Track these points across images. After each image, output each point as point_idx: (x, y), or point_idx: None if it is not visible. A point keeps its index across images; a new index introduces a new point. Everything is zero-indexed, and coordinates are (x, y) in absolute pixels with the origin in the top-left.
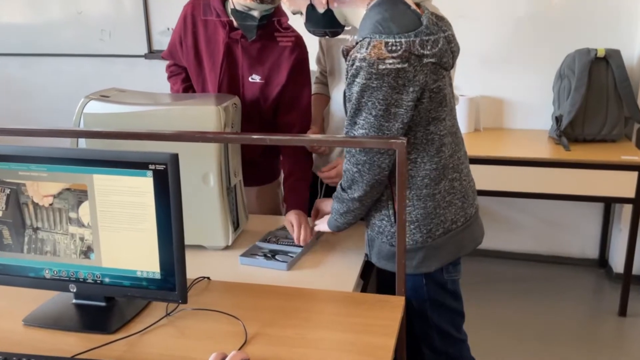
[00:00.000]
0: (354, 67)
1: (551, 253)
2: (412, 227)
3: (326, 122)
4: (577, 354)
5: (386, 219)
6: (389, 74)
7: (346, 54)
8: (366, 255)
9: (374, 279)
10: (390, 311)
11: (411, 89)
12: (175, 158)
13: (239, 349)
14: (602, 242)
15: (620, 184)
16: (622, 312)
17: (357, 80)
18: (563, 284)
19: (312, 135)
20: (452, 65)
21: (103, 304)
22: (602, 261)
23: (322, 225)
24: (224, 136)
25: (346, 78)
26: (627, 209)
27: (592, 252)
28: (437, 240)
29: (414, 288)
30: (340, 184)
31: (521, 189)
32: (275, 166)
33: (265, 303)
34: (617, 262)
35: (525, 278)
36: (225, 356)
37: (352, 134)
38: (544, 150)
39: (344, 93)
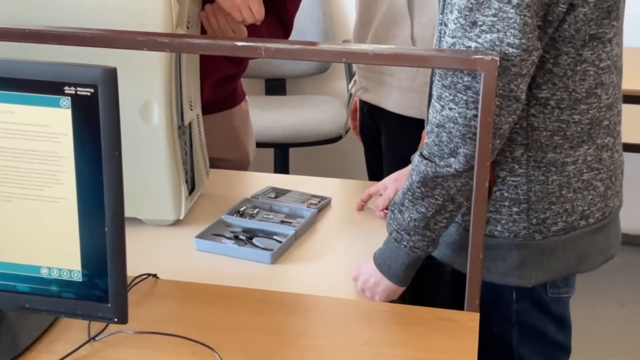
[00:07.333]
0: None
1: None
2: (514, 209)
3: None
4: None
5: None
6: None
7: None
8: None
9: None
10: (459, 338)
11: None
12: (111, 76)
13: None
14: None
15: None
16: None
17: None
18: None
19: (344, 45)
20: None
21: None
22: None
23: (364, 268)
24: (187, 41)
25: None
26: None
27: None
28: (549, 240)
29: (496, 304)
30: (422, 156)
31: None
32: (240, 85)
33: (249, 320)
34: None
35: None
36: None
37: (468, 45)
38: None
39: None
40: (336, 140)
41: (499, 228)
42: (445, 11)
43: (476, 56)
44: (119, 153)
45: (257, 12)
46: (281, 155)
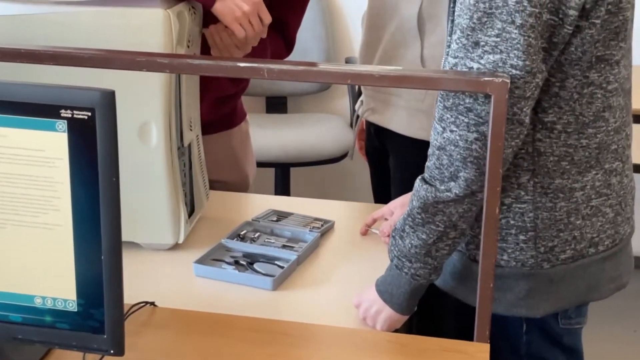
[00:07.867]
0: None
1: None
2: (521, 237)
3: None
4: None
5: None
6: None
7: None
8: None
9: None
10: None
11: None
12: (109, 99)
13: None
14: None
15: None
16: None
17: None
18: None
19: (349, 66)
20: None
21: None
22: None
23: (366, 295)
24: (188, 62)
25: None
26: None
27: None
28: (558, 269)
29: (505, 335)
30: (423, 180)
31: None
32: (240, 104)
33: (250, 350)
34: None
35: None
36: None
37: (470, 66)
38: None
39: None
40: (339, 159)
41: (505, 257)
42: (452, 33)
43: (486, 78)
44: (117, 179)
45: (256, 25)
46: (282, 175)
